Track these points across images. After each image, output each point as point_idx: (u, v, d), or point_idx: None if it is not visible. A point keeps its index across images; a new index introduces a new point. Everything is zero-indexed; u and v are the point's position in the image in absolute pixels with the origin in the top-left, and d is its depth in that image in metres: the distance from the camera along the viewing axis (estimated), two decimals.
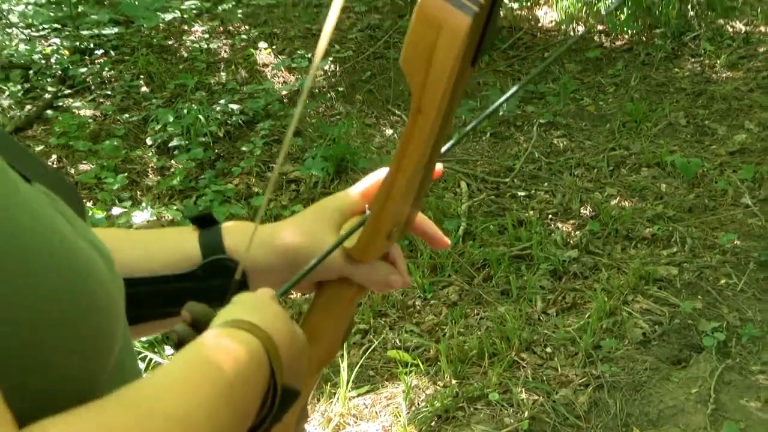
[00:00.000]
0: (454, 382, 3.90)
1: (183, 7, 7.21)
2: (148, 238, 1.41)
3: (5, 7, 6.53)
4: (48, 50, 6.43)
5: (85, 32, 6.60)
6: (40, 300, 0.81)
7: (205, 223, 1.37)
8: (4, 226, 0.81)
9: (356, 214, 1.39)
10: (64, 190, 1.05)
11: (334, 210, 1.37)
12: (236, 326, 1.01)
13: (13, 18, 6.56)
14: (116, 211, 4.88)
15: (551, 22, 7.56)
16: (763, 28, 7.03)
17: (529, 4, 7.85)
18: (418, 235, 1.44)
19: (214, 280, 1.32)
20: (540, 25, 7.58)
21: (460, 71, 1.11)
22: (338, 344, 1.42)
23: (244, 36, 7.26)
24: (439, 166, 1.33)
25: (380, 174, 1.33)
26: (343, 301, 1.40)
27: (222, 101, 6.09)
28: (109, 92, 6.26)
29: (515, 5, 7.79)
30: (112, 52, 6.59)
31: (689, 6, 7.20)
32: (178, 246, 1.35)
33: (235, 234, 1.35)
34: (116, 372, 0.98)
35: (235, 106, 6.04)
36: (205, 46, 6.97)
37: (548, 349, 4.08)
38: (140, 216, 4.99)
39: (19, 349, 0.80)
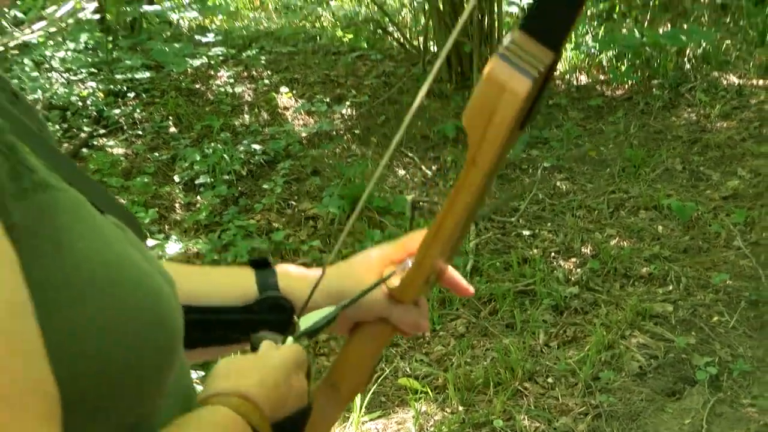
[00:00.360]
0: (461, 408, 3.91)
1: (210, 53, 7.27)
2: (213, 273, 1.53)
3: (48, 53, 6.62)
4: (84, 93, 6.50)
5: (119, 76, 6.68)
6: (125, 316, 0.89)
7: (262, 265, 1.42)
8: (96, 255, 0.90)
9: (396, 263, 1.41)
10: (127, 219, 1.11)
11: (378, 258, 1.42)
12: (216, 402, 1.08)
13: (54, 63, 6.64)
14: (150, 242, 4.83)
15: (556, 72, 7.52)
16: (755, 81, 7.04)
17: None
18: (446, 286, 1.46)
19: (269, 315, 1.37)
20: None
21: (511, 131, 1.15)
22: (368, 378, 1.46)
23: (266, 81, 7.29)
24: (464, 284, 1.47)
25: (418, 234, 1.37)
26: (378, 339, 1.44)
27: (245, 142, 6.12)
28: (140, 132, 6.32)
29: None
30: (143, 95, 6.66)
31: (686, 59, 7.25)
32: (237, 282, 1.41)
33: (289, 277, 1.41)
34: (175, 384, 1.06)
35: (257, 147, 6.07)
36: (230, 90, 7.00)
37: (550, 380, 4.10)
38: (172, 247, 5.04)
39: (113, 351, 0.88)
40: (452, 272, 1.46)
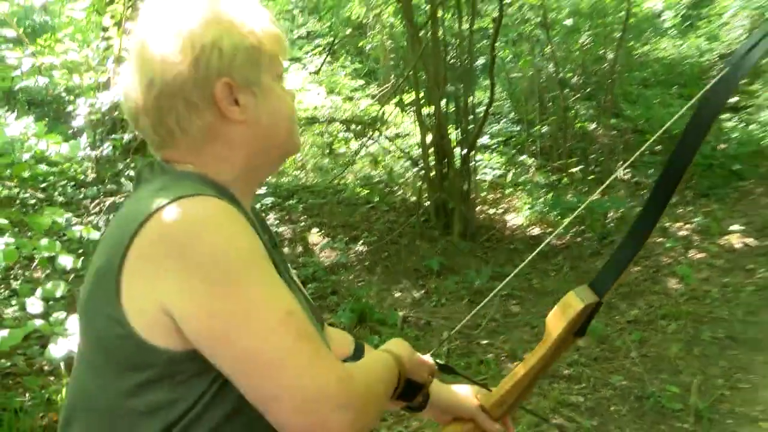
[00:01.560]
0: None
1: (262, 201, 7.43)
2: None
3: None
4: None
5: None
6: None
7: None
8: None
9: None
10: (310, 305, 1.45)
11: (470, 391, 1.63)
12: (387, 353, 1.39)
13: None
14: None
15: (516, 224, 7.82)
16: (657, 238, 7.21)
17: (501, 210, 8.20)
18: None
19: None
20: (508, 225, 7.82)
21: (569, 333, 1.49)
22: None
23: (302, 223, 7.46)
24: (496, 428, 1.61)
25: (470, 390, 1.65)
26: (468, 429, 1.62)
27: None
28: None
29: (491, 211, 8.16)
30: None
31: (608, 220, 7.55)
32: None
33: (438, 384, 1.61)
34: None
35: (293, 271, 6.33)
36: (275, 230, 7.04)
37: None
38: None
39: None
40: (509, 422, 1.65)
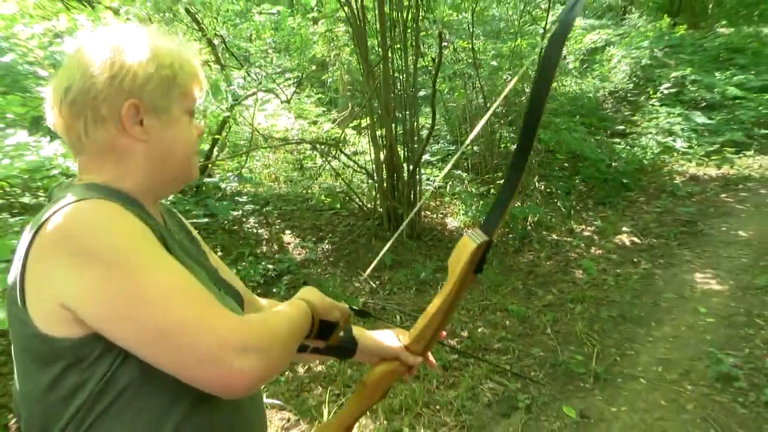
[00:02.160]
0: (385, 422, 3.91)
1: (244, 208, 7.42)
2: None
3: None
4: None
5: (189, 221, 6.64)
6: None
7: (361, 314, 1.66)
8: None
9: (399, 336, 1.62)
10: (225, 287, 1.47)
11: (392, 334, 1.62)
12: (298, 300, 1.35)
13: None
14: None
15: (454, 227, 7.87)
16: (566, 238, 7.44)
17: (441, 215, 8.24)
18: (425, 355, 1.60)
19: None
20: (447, 227, 7.87)
21: (468, 272, 1.46)
22: (381, 394, 1.60)
23: (277, 226, 7.46)
24: (418, 361, 1.58)
25: (392, 334, 1.62)
26: (392, 369, 1.59)
27: (263, 263, 6.24)
28: None
29: (433, 215, 8.18)
30: (203, 232, 6.46)
31: (528, 223, 7.64)
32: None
33: (362, 332, 1.62)
34: None
35: (270, 266, 6.19)
36: (255, 231, 7.17)
37: (437, 407, 4.12)
38: None
39: None
40: (429, 354, 1.62)
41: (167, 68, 1.24)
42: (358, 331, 1.60)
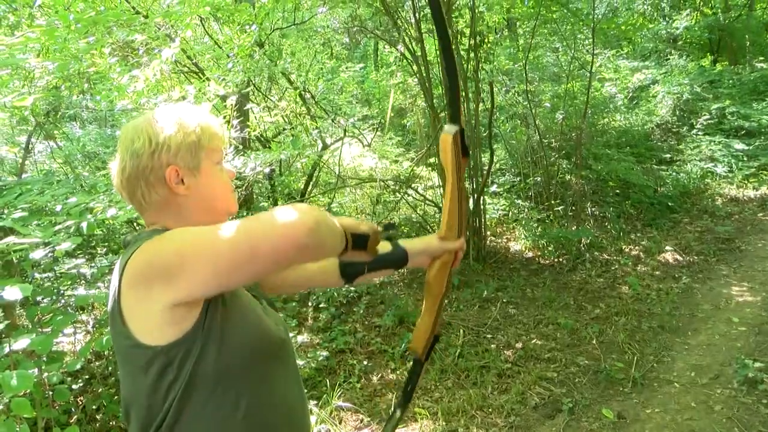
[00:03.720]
0: (444, 424, 3.94)
1: None
2: None
3: None
4: None
5: None
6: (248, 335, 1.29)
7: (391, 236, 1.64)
8: (244, 311, 1.31)
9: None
10: (268, 302, 1.51)
11: (431, 236, 1.64)
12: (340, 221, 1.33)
13: None
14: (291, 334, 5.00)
15: (516, 250, 7.83)
16: (616, 258, 7.29)
17: (505, 240, 8.25)
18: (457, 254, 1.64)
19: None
20: (510, 251, 7.84)
21: (458, 158, 1.50)
22: (445, 288, 1.63)
23: None
24: (461, 244, 1.62)
25: (431, 236, 1.65)
26: (444, 261, 1.62)
27: (345, 286, 6.42)
28: None
29: (498, 240, 8.18)
30: None
31: (581, 245, 7.54)
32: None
33: (410, 242, 1.63)
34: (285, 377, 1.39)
35: (352, 288, 6.18)
36: None
37: (490, 410, 4.13)
38: (300, 339, 5.13)
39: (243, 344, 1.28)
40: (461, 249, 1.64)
41: (192, 135, 1.36)
42: (404, 243, 1.62)
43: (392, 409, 1.66)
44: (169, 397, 1.22)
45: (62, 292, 3.82)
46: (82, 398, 3.95)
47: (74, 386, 3.97)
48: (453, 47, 1.57)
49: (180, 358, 1.21)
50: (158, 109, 1.38)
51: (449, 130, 1.50)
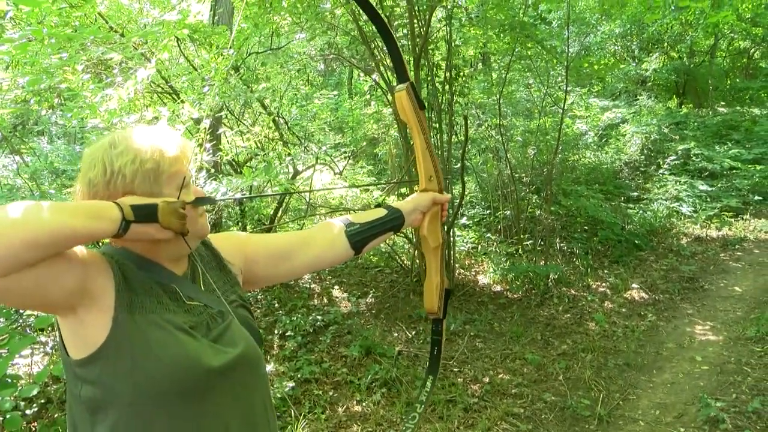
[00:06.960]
0: None
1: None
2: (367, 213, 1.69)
3: None
4: None
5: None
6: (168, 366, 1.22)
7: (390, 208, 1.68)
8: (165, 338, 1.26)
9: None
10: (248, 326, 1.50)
11: (415, 194, 1.73)
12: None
13: None
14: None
15: (484, 283, 7.84)
16: (583, 294, 7.35)
17: (473, 273, 8.29)
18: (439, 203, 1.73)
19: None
20: (478, 284, 7.83)
21: (416, 110, 1.59)
22: (440, 237, 1.74)
23: (327, 281, 7.55)
24: (447, 196, 1.73)
25: (414, 194, 1.74)
26: (433, 213, 1.71)
27: (313, 314, 6.28)
28: (258, 307, 6.45)
29: (466, 273, 8.22)
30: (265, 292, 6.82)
31: (549, 280, 7.58)
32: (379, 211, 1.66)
33: (400, 204, 1.70)
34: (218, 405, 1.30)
35: (319, 317, 6.22)
36: (307, 286, 7.23)
37: None
38: (268, 368, 5.09)
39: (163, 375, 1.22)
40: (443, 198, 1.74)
41: (149, 161, 1.29)
42: (397, 204, 1.69)
43: (424, 378, 1.79)
44: (88, 409, 1.25)
45: (21, 312, 3.72)
46: (35, 424, 3.83)
47: (28, 411, 3.85)
48: (398, 42, 1.65)
49: (97, 372, 1.23)
50: (116, 134, 1.33)
51: (400, 87, 1.58)
